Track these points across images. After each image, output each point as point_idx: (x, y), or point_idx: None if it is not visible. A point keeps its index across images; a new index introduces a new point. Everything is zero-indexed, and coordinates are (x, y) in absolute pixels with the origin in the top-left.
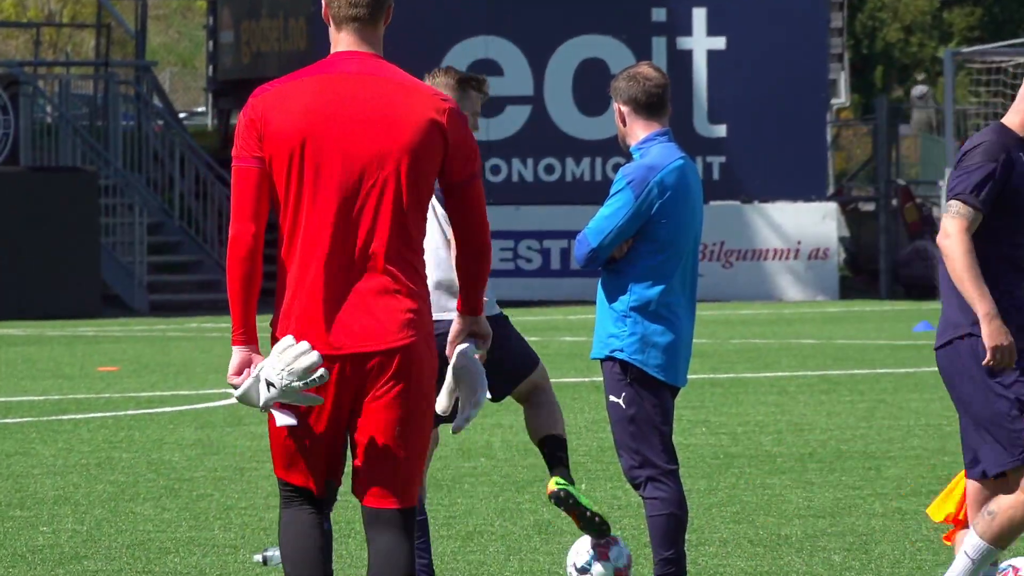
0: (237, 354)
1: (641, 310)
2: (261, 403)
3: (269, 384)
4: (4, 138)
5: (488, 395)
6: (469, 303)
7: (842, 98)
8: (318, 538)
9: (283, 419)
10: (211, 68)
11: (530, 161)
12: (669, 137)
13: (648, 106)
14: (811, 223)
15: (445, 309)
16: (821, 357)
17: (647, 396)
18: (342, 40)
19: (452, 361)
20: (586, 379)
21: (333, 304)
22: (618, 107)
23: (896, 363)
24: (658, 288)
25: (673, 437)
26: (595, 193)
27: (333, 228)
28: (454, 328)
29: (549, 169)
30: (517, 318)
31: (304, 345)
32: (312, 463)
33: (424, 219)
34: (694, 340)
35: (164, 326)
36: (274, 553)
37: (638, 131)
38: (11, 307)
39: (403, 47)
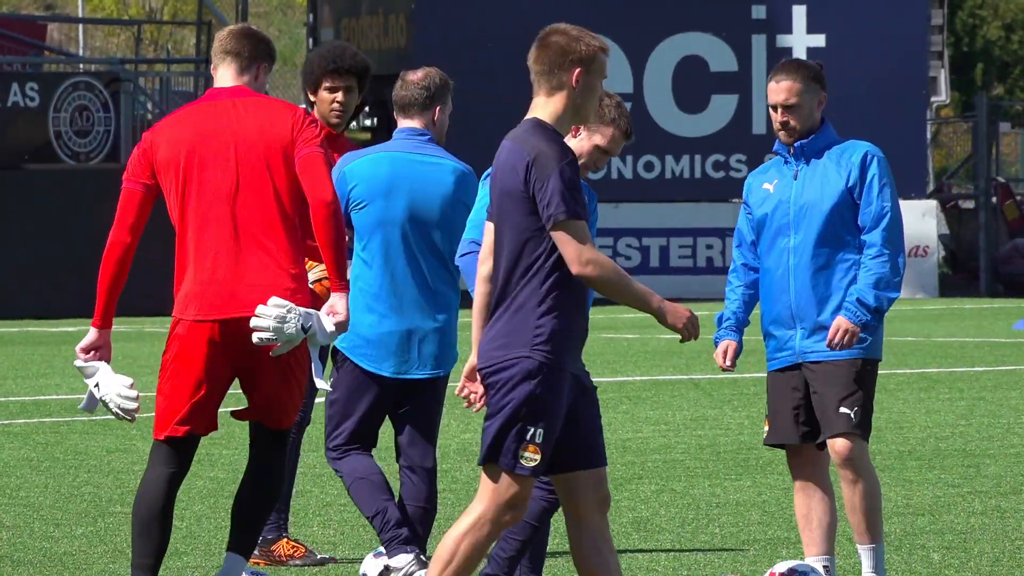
0: (93, 333)
1: (353, 299)
2: (87, 398)
3: (101, 398)
4: (105, 135)
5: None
6: (331, 273)
7: (942, 96)
8: (168, 491)
9: (86, 404)
10: None
11: (629, 158)
12: (411, 134)
13: (401, 106)
14: (911, 221)
15: None
16: (920, 355)
17: (348, 383)
18: (219, 77)
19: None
20: (685, 376)
21: (217, 280)
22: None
23: (996, 361)
24: (358, 275)
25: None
26: (695, 190)
27: (214, 220)
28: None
29: (648, 166)
30: (614, 315)
31: (134, 394)
32: (191, 412)
33: (300, 202)
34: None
35: None
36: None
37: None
38: None
39: (505, 48)
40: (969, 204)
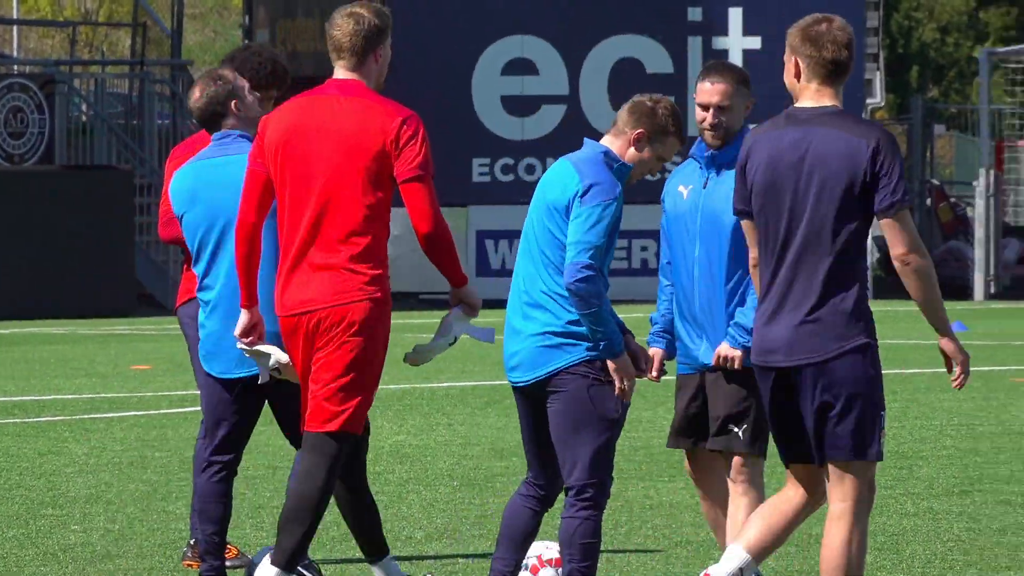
0: (244, 315)
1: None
2: (262, 372)
3: (274, 367)
4: (39, 137)
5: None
6: (449, 279)
7: (877, 98)
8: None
9: (263, 379)
10: None
11: None
12: (217, 138)
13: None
14: None
15: None
16: None
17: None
18: (335, 68)
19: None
20: None
21: (295, 276)
22: None
23: (929, 363)
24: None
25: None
26: (629, 192)
27: (300, 215)
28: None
29: None
30: None
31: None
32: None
33: (382, 207)
34: None
35: None
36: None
37: None
38: (46, 305)
39: (439, 47)
40: None
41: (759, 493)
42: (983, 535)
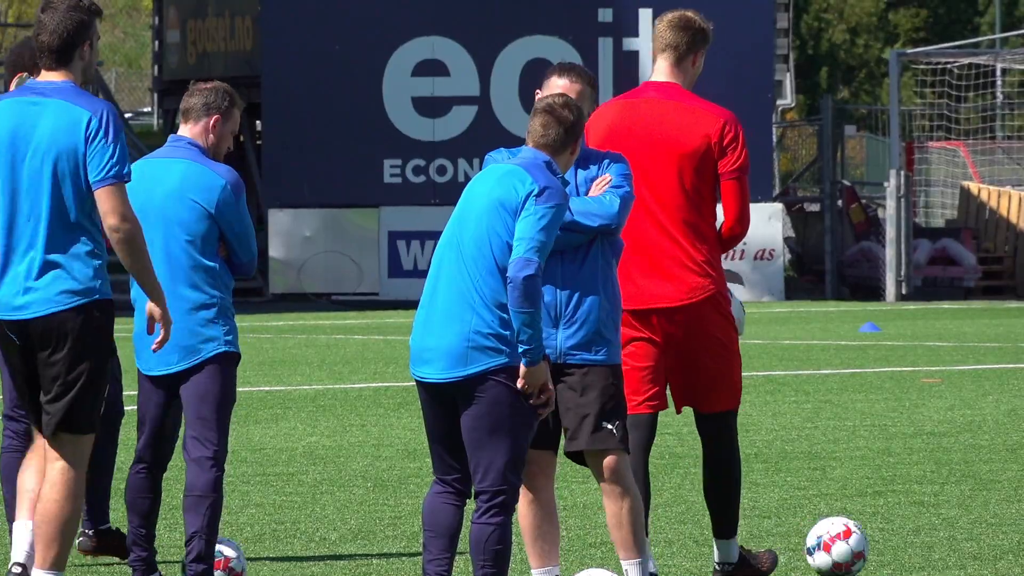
0: None
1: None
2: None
3: None
4: None
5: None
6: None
7: (787, 99)
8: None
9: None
10: (157, 68)
11: (476, 161)
12: (173, 141)
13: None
14: (757, 224)
15: None
16: (767, 357)
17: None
18: (655, 68)
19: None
20: None
21: (633, 274)
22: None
23: (841, 364)
24: None
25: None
26: None
27: (632, 215)
28: None
29: None
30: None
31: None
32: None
33: (705, 204)
34: None
35: None
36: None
37: None
38: None
39: (350, 48)
40: (815, 207)
41: (635, 490)
42: (896, 535)
